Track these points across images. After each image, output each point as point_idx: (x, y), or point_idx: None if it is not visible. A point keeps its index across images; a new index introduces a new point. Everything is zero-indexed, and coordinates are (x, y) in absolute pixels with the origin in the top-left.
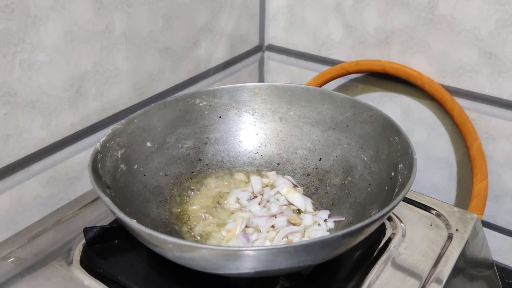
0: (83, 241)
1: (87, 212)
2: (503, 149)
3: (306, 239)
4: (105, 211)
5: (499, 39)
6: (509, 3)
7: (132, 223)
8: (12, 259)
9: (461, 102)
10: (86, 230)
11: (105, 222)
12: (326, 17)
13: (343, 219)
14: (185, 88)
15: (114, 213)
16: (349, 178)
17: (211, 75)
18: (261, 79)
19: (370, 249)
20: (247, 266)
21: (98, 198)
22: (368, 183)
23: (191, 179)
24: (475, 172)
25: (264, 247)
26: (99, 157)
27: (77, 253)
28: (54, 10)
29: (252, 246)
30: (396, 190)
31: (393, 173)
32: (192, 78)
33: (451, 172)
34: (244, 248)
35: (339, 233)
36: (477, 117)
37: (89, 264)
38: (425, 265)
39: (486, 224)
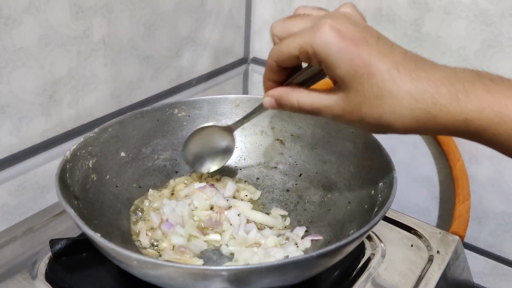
0: (50, 253)
1: (57, 223)
2: (486, 170)
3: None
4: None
5: (484, 59)
6: (495, 24)
7: (96, 237)
8: None
9: None
10: (52, 242)
11: (75, 234)
12: None
13: (320, 238)
14: (165, 97)
15: (78, 226)
16: (328, 195)
17: (194, 86)
18: (245, 91)
19: (348, 269)
20: (216, 286)
21: None
22: (347, 201)
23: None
24: (458, 192)
25: (234, 267)
26: (68, 166)
27: (42, 266)
28: (28, 13)
29: (222, 266)
30: (376, 209)
31: (373, 191)
32: (174, 88)
33: (434, 192)
34: (213, 268)
35: (314, 253)
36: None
37: (55, 279)
38: (405, 287)
39: (468, 246)
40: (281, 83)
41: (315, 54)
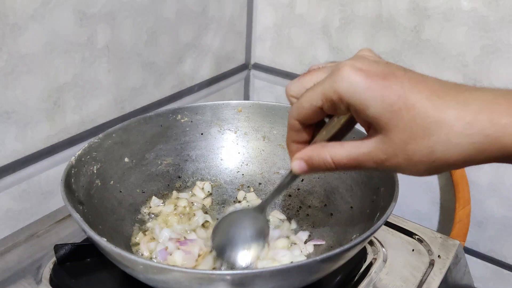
0: (54, 258)
1: (60, 228)
2: (486, 175)
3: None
4: (79, 228)
5: (484, 65)
6: (494, 30)
7: (102, 241)
8: None
9: None
10: (57, 247)
11: (79, 239)
12: (313, 38)
13: (323, 243)
14: (168, 103)
15: (84, 231)
16: (330, 200)
17: (196, 92)
18: (246, 97)
19: (350, 274)
20: None
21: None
22: (349, 206)
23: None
24: (458, 197)
25: (239, 272)
26: (73, 171)
27: (46, 271)
28: (34, 20)
29: (227, 270)
30: (378, 214)
31: (375, 196)
32: (176, 94)
33: (434, 198)
34: (218, 272)
35: (318, 258)
36: None
37: (59, 284)
38: None
39: (468, 251)
40: (307, 143)
41: (341, 99)
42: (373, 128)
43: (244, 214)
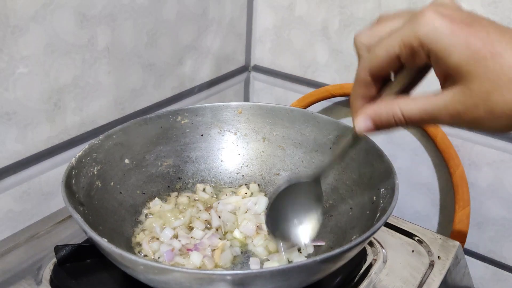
0: (54, 259)
1: (61, 229)
2: (486, 177)
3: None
4: (79, 229)
5: None
6: None
7: (103, 242)
8: None
9: (444, 128)
10: (57, 248)
11: (79, 240)
12: (312, 40)
13: (323, 243)
14: (168, 105)
15: (85, 232)
16: (330, 202)
17: (196, 93)
18: (246, 99)
19: (350, 275)
20: None
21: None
22: (349, 207)
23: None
24: (458, 199)
25: (239, 272)
26: (73, 172)
27: (47, 272)
28: (34, 21)
29: (227, 270)
30: (378, 215)
31: (375, 197)
32: (176, 96)
33: (434, 199)
34: (218, 273)
35: (318, 258)
36: (460, 143)
37: (59, 284)
38: None
39: (468, 252)
40: (372, 100)
41: (422, 45)
42: (451, 79)
43: (297, 190)
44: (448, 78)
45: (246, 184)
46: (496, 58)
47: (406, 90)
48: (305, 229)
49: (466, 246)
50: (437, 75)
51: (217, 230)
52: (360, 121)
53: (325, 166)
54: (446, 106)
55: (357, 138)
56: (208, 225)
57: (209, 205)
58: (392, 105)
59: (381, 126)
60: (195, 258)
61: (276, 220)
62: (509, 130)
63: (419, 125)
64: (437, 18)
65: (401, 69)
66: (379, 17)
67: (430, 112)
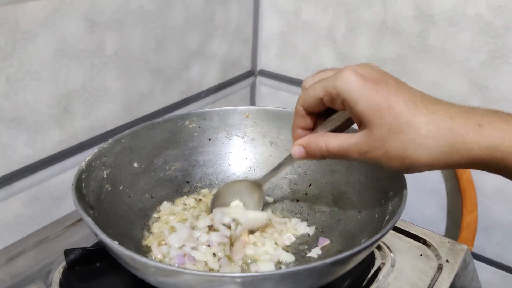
0: (64, 263)
1: (70, 233)
2: (493, 181)
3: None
4: (88, 233)
5: (489, 70)
6: (499, 36)
7: (114, 245)
8: None
9: None
10: (67, 252)
11: (88, 244)
12: (318, 45)
13: (328, 241)
14: (175, 109)
15: (96, 234)
16: (339, 205)
17: (202, 98)
18: (252, 103)
19: (359, 279)
20: None
21: (80, 219)
22: (358, 210)
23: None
24: (465, 203)
25: (249, 274)
26: (83, 176)
27: (56, 276)
28: (44, 27)
29: (237, 273)
30: (387, 218)
31: (383, 200)
32: (183, 100)
33: (441, 203)
34: (229, 275)
35: (327, 260)
36: None
37: None
38: None
39: (476, 256)
40: (309, 131)
41: (338, 94)
42: (362, 124)
43: (242, 184)
44: (360, 123)
45: None
46: (391, 110)
47: (339, 129)
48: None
49: (473, 250)
50: (354, 120)
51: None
52: (295, 149)
53: (265, 176)
54: (356, 145)
55: (293, 160)
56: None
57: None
58: (319, 138)
59: (311, 154)
60: (203, 253)
61: (220, 203)
62: (405, 171)
63: (339, 158)
64: (351, 75)
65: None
66: (322, 69)
67: (345, 148)
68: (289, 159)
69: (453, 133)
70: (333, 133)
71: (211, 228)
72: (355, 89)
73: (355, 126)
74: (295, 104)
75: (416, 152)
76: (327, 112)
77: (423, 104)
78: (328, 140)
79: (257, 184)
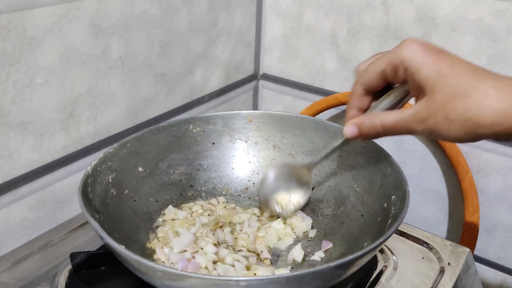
0: (69, 266)
1: (75, 237)
2: (494, 183)
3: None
4: (93, 237)
5: None
6: (501, 40)
7: (121, 249)
8: None
9: None
10: (73, 256)
11: (93, 247)
12: (321, 49)
13: (331, 245)
14: (179, 113)
15: (102, 238)
16: (341, 209)
17: (206, 102)
18: (255, 107)
19: (361, 281)
20: None
21: (86, 223)
22: (360, 214)
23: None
24: (467, 205)
25: (254, 278)
26: (89, 180)
27: (62, 279)
28: (51, 33)
29: (242, 277)
30: (389, 221)
31: (386, 204)
32: (187, 104)
33: (443, 205)
34: (235, 278)
35: (331, 264)
36: (469, 150)
37: None
38: None
39: (477, 259)
40: (363, 112)
41: (401, 62)
42: (420, 93)
43: (289, 169)
44: (419, 93)
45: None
46: (454, 76)
47: (395, 106)
48: (294, 198)
49: (476, 252)
50: (411, 90)
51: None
52: (348, 129)
53: (316, 160)
54: (414, 113)
55: (346, 142)
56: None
57: (220, 224)
58: (372, 115)
59: (364, 132)
60: (209, 248)
61: (266, 190)
62: (463, 138)
63: (394, 133)
64: (414, 44)
65: (387, 90)
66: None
67: (401, 119)
68: (340, 143)
69: None
70: (387, 111)
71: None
72: (419, 56)
73: None
74: (352, 86)
75: (479, 113)
76: (381, 95)
77: (488, 73)
78: (383, 116)
79: (306, 168)
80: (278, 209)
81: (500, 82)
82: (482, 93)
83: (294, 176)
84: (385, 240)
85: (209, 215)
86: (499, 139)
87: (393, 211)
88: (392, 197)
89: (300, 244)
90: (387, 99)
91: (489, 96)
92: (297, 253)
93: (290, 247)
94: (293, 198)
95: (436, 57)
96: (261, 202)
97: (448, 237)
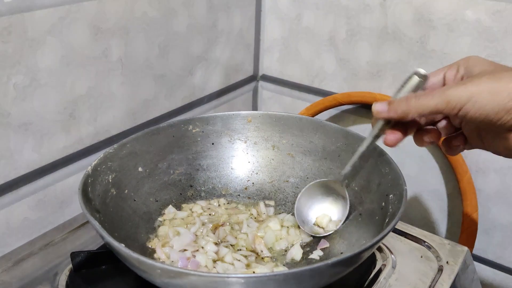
0: (70, 266)
1: (75, 236)
2: (493, 183)
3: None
4: (93, 236)
5: None
6: (498, 40)
7: (121, 247)
8: None
9: None
10: (73, 255)
11: (93, 247)
12: (320, 50)
13: (327, 245)
14: (179, 114)
15: (102, 237)
16: None
17: (205, 103)
18: (254, 108)
19: (360, 280)
20: None
21: (86, 222)
22: (359, 213)
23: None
24: (465, 205)
25: (252, 275)
26: (89, 180)
27: (63, 278)
28: (51, 34)
29: (241, 273)
30: (387, 220)
31: (383, 203)
32: (186, 105)
33: (442, 205)
34: (233, 275)
35: (329, 261)
36: (467, 150)
37: None
38: None
39: (477, 258)
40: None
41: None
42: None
43: (322, 186)
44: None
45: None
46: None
47: None
48: (331, 214)
49: (474, 252)
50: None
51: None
52: (378, 104)
53: (346, 171)
54: (454, 81)
55: (374, 140)
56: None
57: (221, 223)
58: (408, 97)
59: (395, 107)
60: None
61: (302, 212)
62: (495, 121)
63: (426, 109)
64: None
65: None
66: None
67: (440, 90)
68: (368, 144)
69: None
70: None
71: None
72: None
73: None
74: (404, 108)
75: None
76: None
77: None
78: (418, 95)
79: (339, 182)
80: (319, 230)
81: None
82: None
83: (329, 193)
84: (382, 238)
85: (210, 214)
86: None
87: (391, 210)
88: (390, 196)
89: (299, 243)
90: (407, 85)
91: None
92: (296, 252)
93: (289, 247)
94: (333, 216)
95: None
96: (300, 225)
97: (447, 237)
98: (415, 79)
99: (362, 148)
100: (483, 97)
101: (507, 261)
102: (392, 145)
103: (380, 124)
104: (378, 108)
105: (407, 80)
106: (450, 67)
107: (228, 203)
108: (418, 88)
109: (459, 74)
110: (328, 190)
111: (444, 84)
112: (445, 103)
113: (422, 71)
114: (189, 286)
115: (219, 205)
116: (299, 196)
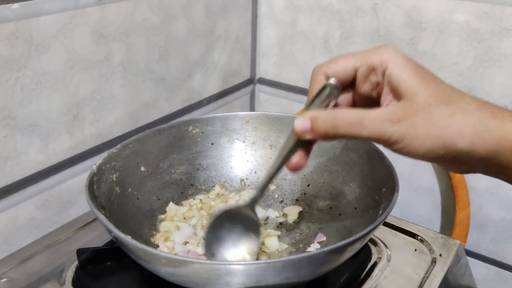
0: (76, 262)
1: (80, 235)
2: (484, 179)
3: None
4: (98, 235)
5: (477, 74)
6: (486, 41)
7: (127, 239)
8: (5, 279)
9: None
10: (79, 252)
11: (98, 245)
12: (315, 53)
13: (324, 238)
14: (178, 117)
15: (109, 231)
16: (335, 203)
17: (204, 106)
18: (252, 110)
19: (356, 272)
20: (236, 281)
21: (91, 221)
22: (354, 207)
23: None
24: (458, 201)
25: (253, 262)
26: (95, 179)
27: (69, 275)
28: (56, 39)
29: (243, 261)
30: (380, 211)
31: (377, 196)
32: (186, 108)
33: (435, 202)
34: (236, 263)
35: (326, 249)
36: None
37: (81, 286)
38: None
39: (470, 254)
40: None
41: (381, 62)
42: (397, 97)
43: (233, 213)
44: (394, 96)
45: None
46: (437, 84)
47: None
48: (239, 250)
49: (468, 247)
50: (386, 92)
51: None
52: (299, 121)
53: (257, 195)
54: (389, 113)
55: (295, 146)
56: None
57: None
58: (334, 111)
59: (318, 127)
60: None
61: (212, 244)
62: (432, 152)
63: (354, 133)
64: (396, 49)
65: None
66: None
67: (372, 117)
68: (281, 160)
69: (493, 116)
70: (349, 109)
71: None
72: (401, 60)
73: None
74: (312, 75)
75: (463, 119)
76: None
77: (466, 94)
78: (346, 111)
79: (249, 207)
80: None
81: (477, 100)
82: (466, 101)
83: (238, 223)
84: (375, 228)
85: (208, 208)
86: (475, 163)
87: (384, 202)
88: (383, 190)
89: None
90: (321, 96)
91: (471, 105)
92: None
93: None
94: (247, 249)
95: (418, 66)
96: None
97: (441, 233)
98: (328, 90)
99: (272, 170)
100: (419, 140)
101: (500, 256)
102: (297, 170)
103: (292, 141)
104: (300, 127)
105: (321, 91)
106: (361, 63)
107: (222, 190)
108: (332, 98)
109: (374, 77)
110: (238, 220)
111: (356, 84)
112: (378, 137)
113: (333, 80)
114: (192, 274)
115: (214, 191)
116: (205, 236)
